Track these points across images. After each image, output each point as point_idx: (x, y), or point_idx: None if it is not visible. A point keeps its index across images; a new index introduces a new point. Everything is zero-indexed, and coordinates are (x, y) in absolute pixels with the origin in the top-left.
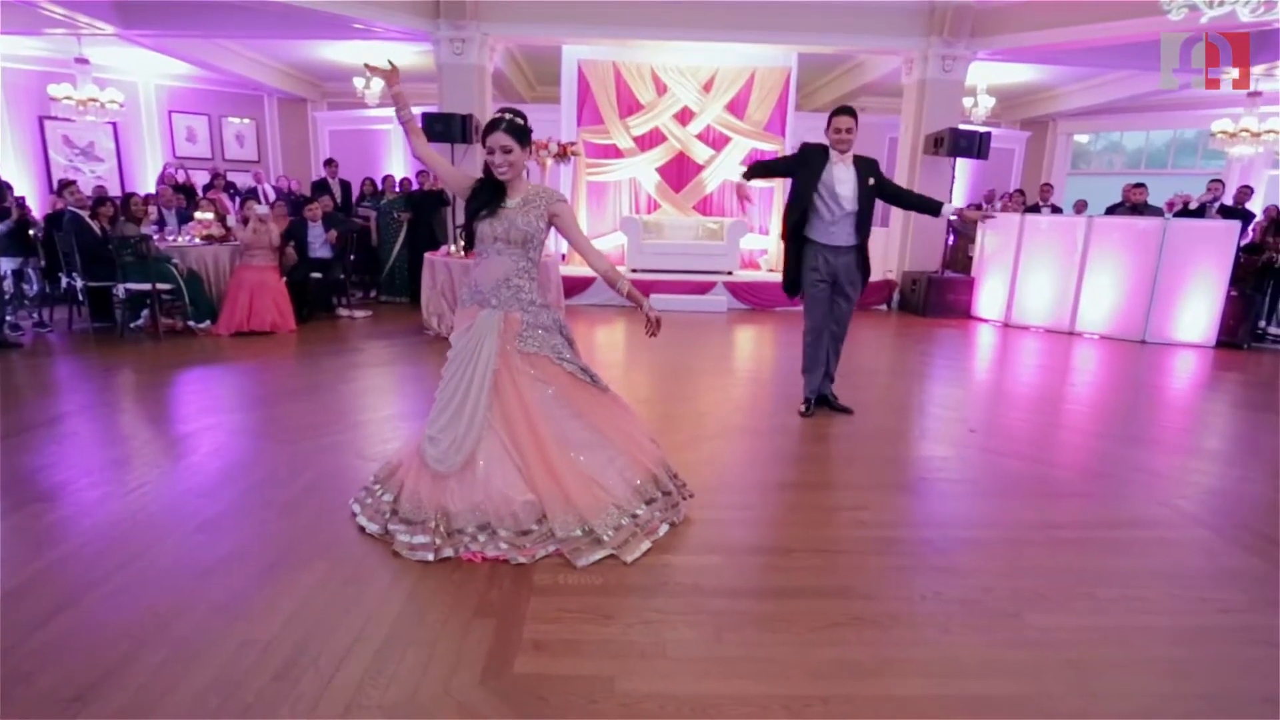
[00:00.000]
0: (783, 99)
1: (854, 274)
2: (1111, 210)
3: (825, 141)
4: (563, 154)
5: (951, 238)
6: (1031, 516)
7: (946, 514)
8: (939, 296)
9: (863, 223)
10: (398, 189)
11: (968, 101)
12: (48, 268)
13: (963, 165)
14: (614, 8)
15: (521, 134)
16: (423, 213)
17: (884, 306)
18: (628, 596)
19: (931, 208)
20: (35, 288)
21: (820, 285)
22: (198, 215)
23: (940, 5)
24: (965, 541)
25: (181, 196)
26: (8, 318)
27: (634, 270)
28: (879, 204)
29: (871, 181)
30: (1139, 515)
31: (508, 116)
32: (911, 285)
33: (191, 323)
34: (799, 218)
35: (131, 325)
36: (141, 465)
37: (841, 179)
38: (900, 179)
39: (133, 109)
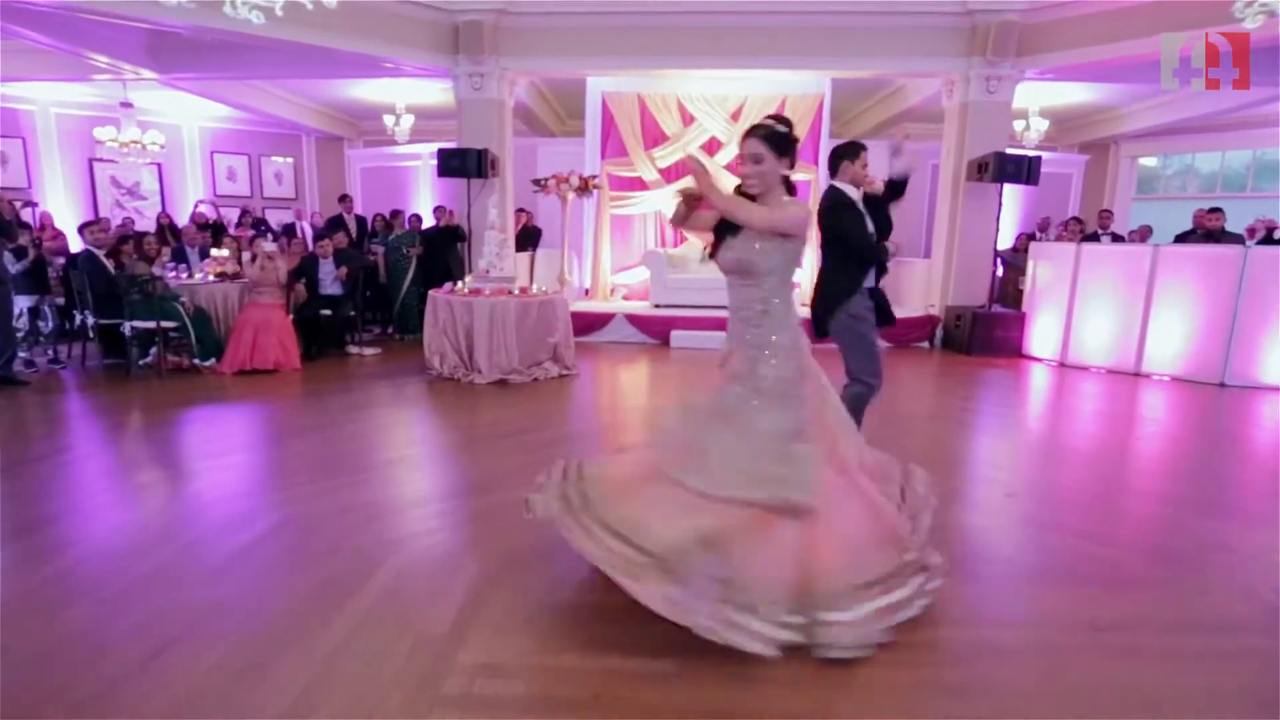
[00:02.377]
0: (815, 126)
1: (876, 312)
2: (1181, 238)
3: (843, 184)
4: (584, 187)
5: (1000, 269)
6: (1077, 613)
7: (970, 607)
8: (986, 333)
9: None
10: (408, 224)
11: (1019, 125)
12: (65, 305)
13: (1014, 193)
14: (637, 37)
15: (778, 141)
16: (437, 248)
17: (925, 344)
18: None
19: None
20: (50, 324)
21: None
22: (213, 252)
23: (982, 23)
24: (990, 647)
25: (208, 234)
26: (21, 354)
27: (656, 306)
28: (917, 230)
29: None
30: (1218, 613)
31: (768, 122)
32: (956, 321)
33: (197, 360)
34: (854, 265)
35: (140, 362)
36: (129, 504)
37: (867, 219)
38: (943, 207)
39: (176, 150)
